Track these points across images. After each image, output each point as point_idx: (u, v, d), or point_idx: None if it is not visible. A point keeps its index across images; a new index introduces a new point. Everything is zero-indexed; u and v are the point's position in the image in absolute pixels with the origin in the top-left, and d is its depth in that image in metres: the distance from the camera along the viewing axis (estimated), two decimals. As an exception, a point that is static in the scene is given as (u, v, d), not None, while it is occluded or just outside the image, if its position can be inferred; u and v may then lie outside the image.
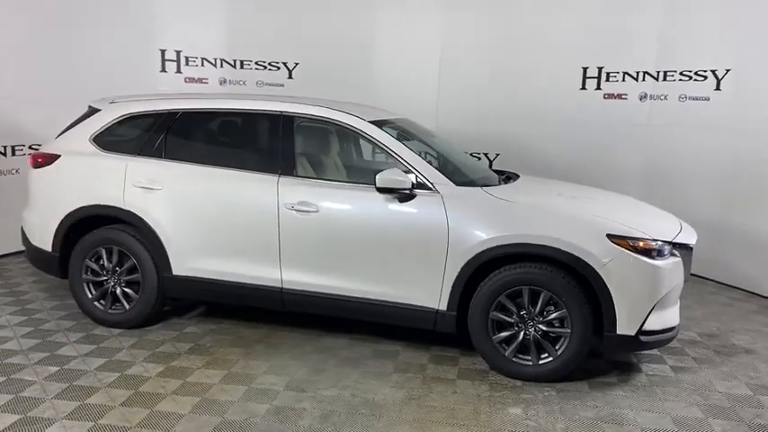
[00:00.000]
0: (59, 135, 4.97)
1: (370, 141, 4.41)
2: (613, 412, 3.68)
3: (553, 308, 3.95)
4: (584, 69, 7.33)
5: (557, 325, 3.96)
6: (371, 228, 4.20)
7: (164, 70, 7.45)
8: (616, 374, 4.21)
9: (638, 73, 7.13)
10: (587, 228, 3.94)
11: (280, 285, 4.38)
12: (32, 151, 5.56)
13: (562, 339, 3.97)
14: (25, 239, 5.03)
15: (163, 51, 7.42)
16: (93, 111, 4.90)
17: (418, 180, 4.12)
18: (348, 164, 4.87)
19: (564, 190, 4.81)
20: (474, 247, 4.00)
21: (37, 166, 4.84)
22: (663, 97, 6.99)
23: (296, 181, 4.34)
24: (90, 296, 4.73)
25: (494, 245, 3.97)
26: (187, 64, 7.54)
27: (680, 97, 6.82)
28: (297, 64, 7.76)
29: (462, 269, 4.04)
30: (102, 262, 4.68)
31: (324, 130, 4.69)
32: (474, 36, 7.60)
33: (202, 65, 7.59)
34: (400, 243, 4.14)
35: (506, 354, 4.05)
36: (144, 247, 4.56)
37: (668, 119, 6.94)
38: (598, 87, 7.33)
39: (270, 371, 4.05)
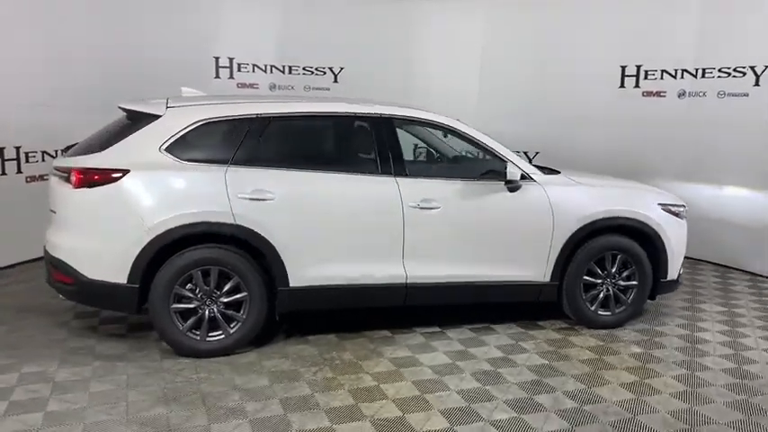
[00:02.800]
0: (104, 147, 4.17)
1: (467, 140, 4.79)
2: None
3: (625, 267, 4.97)
4: (623, 68, 7.63)
5: (630, 280, 4.98)
6: (491, 217, 4.66)
7: (217, 77, 7.82)
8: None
9: (676, 71, 7.34)
10: (646, 200, 5.03)
11: (404, 281, 4.52)
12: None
13: (631, 291, 5.00)
14: (67, 273, 4.11)
15: (217, 59, 7.84)
16: (144, 116, 4.25)
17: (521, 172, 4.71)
18: (447, 161, 5.12)
19: (603, 179, 5.49)
20: (573, 225, 4.77)
21: (87, 184, 4.03)
22: (701, 94, 7.20)
23: (413, 181, 4.52)
24: (181, 327, 4.16)
25: (589, 221, 4.80)
26: (239, 70, 7.96)
27: (719, 94, 7.04)
28: (342, 68, 8.26)
29: (564, 245, 4.78)
30: (194, 286, 4.16)
31: (419, 131, 4.88)
32: (514, 36, 7.93)
33: (253, 71, 8.02)
34: (515, 228, 4.71)
35: (593, 308, 4.93)
36: (250, 263, 4.21)
37: (707, 115, 7.14)
38: (636, 85, 7.60)
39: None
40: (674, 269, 5.09)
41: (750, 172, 6.89)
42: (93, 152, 4.18)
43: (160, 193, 4.10)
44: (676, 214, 5.09)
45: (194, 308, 4.19)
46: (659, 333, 4.96)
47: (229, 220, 4.14)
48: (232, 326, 4.26)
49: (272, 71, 8.13)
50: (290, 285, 4.31)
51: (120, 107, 4.46)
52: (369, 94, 5.42)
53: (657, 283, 5.08)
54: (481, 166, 4.88)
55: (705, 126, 7.16)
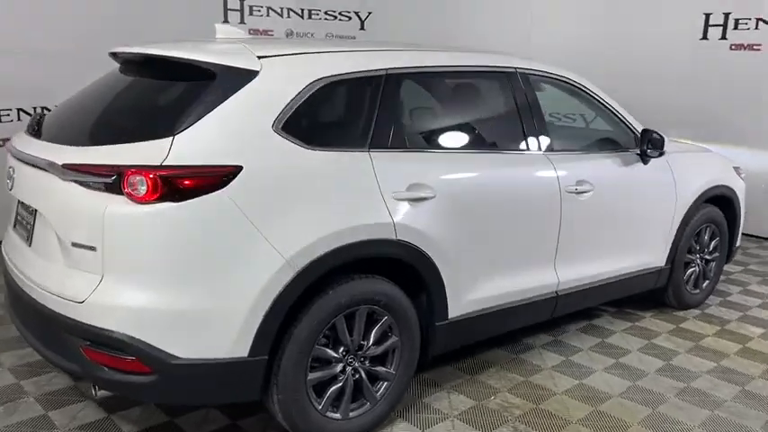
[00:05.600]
0: (154, 127, 2.41)
1: (593, 102, 3.80)
2: None
3: (711, 239, 4.53)
4: (707, 16, 6.37)
5: (714, 252, 4.56)
6: (634, 195, 3.84)
7: (225, 20, 6.33)
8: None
9: None
10: (727, 165, 4.58)
11: (555, 289, 3.49)
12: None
13: (712, 264, 4.59)
14: (140, 356, 2.30)
15: (225, 0, 6.31)
16: (223, 73, 2.51)
17: None
18: (577, 129, 3.99)
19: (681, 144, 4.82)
20: (689, 199, 4.16)
21: (172, 195, 2.26)
22: None
23: (562, 158, 3.44)
24: (319, 406, 2.66)
25: (701, 193, 4.22)
26: (251, 13, 6.54)
27: None
28: (369, 13, 7.03)
29: (681, 222, 4.14)
30: (336, 341, 2.68)
31: (547, 92, 3.70)
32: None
33: (268, 14, 6.62)
34: (650, 206, 3.97)
35: (688, 288, 4.42)
36: (403, 295, 2.83)
37: None
38: (723, 37, 6.37)
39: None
40: (739, 235, 4.81)
41: None
42: (129, 136, 2.43)
43: (296, 199, 2.49)
44: (742, 178, 4.78)
45: (336, 373, 2.71)
46: (743, 306, 4.65)
47: (390, 235, 2.70)
48: (377, 388, 2.87)
49: (289, 15, 6.74)
50: (449, 317, 3.03)
51: (145, 54, 2.69)
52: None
53: (731, 251, 4.76)
54: (604, 133, 3.97)
55: None
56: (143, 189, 2.25)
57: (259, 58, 2.59)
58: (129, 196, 2.27)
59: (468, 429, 2.96)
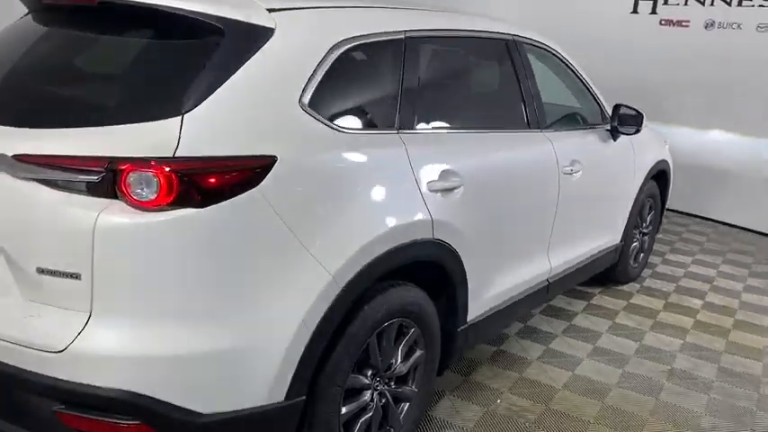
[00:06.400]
0: (144, 104, 1.78)
1: (567, 71, 3.54)
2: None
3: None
4: None
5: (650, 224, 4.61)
6: (609, 173, 3.70)
7: None
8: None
9: None
10: (663, 141, 4.58)
11: (548, 277, 3.24)
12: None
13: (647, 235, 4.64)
14: (150, 417, 1.67)
15: None
16: (231, 29, 1.88)
17: None
18: (556, 104, 3.60)
19: None
20: (643, 175, 4.12)
21: (190, 200, 1.64)
22: (735, 26, 5.84)
23: (556, 135, 3.16)
24: (349, 445, 2.19)
25: (649, 168, 4.19)
26: None
27: (758, 27, 5.72)
28: None
29: (635, 199, 4.08)
30: (363, 363, 2.20)
31: (538, 64, 3.32)
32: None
33: None
34: (619, 183, 3.85)
35: (631, 263, 4.42)
36: (432, 302, 2.41)
37: (741, 52, 5.77)
38: (653, 11, 6.19)
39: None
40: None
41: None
42: (116, 114, 1.80)
43: (334, 198, 1.95)
44: (666, 150, 4.86)
45: (366, 402, 2.24)
46: (672, 277, 4.77)
47: (428, 235, 2.26)
48: (400, 410, 2.44)
49: None
50: (468, 320, 2.66)
51: (120, 2, 1.93)
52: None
53: (660, 223, 4.85)
54: (580, 108, 3.73)
55: (736, 65, 5.84)
56: (151, 191, 1.61)
57: (270, 11, 1.98)
58: (130, 201, 1.61)
59: (491, 444, 2.65)
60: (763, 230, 6.03)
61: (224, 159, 1.71)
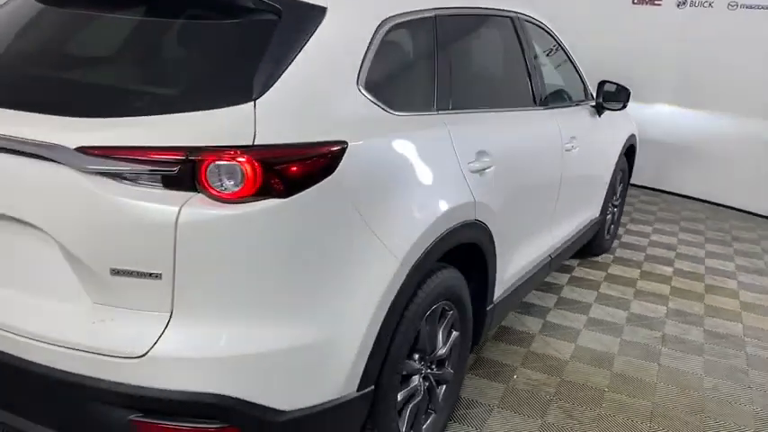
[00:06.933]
0: (193, 91, 1.70)
1: (555, 46, 3.58)
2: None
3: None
4: None
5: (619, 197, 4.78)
6: (597, 150, 3.78)
7: None
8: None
9: None
10: (631, 117, 4.73)
11: (550, 254, 3.30)
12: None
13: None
14: (229, 417, 1.58)
15: None
16: (289, 9, 1.80)
17: None
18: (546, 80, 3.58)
19: None
20: (619, 150, 4.24)
21: (274, 190, 1.55)
22: (707, 4, 5.90)
23: (556, 113, 3.21)
24: (403, 429, 2.16)
25: (624, 142, 4.32)
26: None
27: (729, 5, 5.79)
28: None
29: (613, 174, 4.21)
30: (413, 348, 2.17)
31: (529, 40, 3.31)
32: None
33: None
34: (602, 158, 3.95)
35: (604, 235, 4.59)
36: (464, 284, 2.41)
37: (712, 31, 5.82)
38: None
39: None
40: (627, 180, 5.11)
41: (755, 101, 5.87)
42: (180, 100, 1.70)
43: (395, 181, 1.90)
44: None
45: (416, 387, 2.23)
46: (639, 246, 4.97)
47: (471, 216, 2.25)
48: (440, 393, 2.44)
49: None
50: (494, 299, 2.67)
51: None
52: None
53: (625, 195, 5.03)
54: (569, 84, 3.77)
55: (706, 44, 5.94)
56: (235, 182, 1.52)
57: (309, -12, 1.90)
58: (211, 193, 1.52)
59: (519, 418, 2.69)
60: (712, 199, 6.36)
61: (302, 147, 1.63)
